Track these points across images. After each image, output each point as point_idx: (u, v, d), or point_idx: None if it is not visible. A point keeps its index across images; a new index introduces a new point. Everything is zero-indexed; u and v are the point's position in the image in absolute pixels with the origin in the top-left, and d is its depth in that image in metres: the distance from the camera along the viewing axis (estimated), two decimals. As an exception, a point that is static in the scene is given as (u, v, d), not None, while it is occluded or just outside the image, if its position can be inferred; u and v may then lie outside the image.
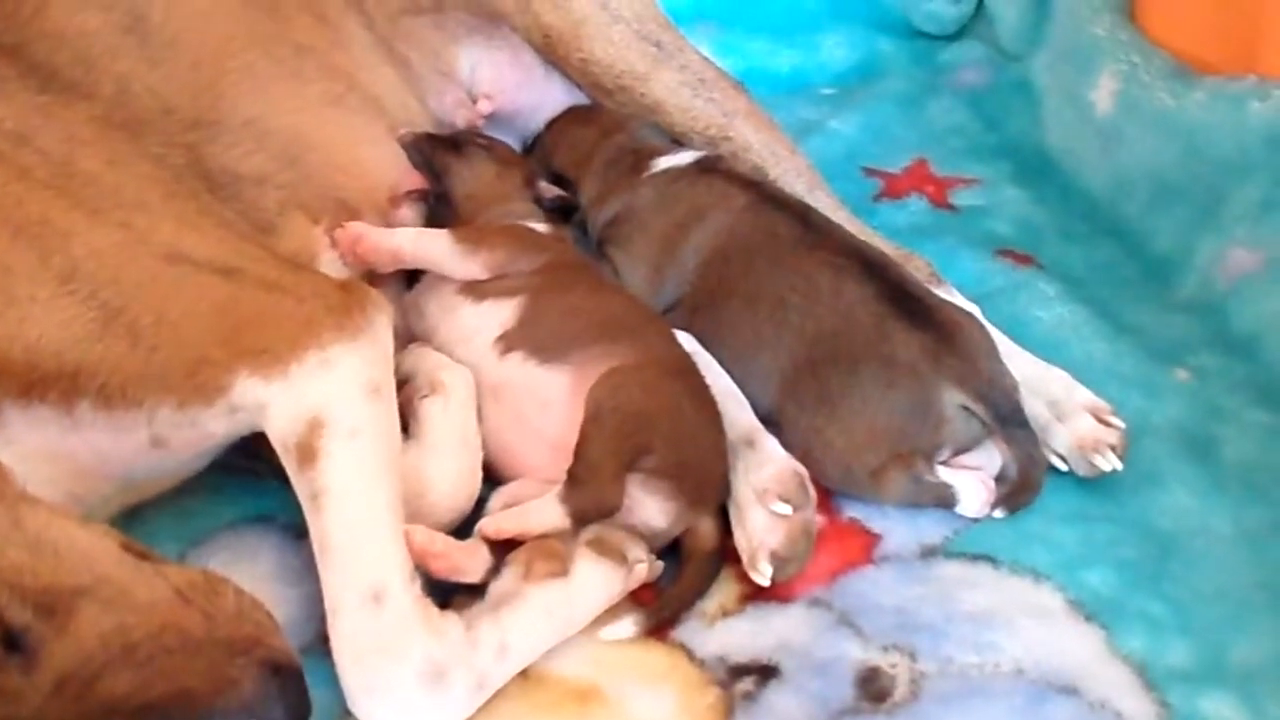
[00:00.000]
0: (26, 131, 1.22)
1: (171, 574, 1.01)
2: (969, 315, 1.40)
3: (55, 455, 1.13)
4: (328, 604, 1.11)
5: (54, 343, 1.10)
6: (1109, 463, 1.34)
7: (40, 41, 1.31)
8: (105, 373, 1.12)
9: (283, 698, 0.96)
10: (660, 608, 1.22)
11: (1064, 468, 1.37)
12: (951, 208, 1.94)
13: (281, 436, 1.16)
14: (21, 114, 1.23)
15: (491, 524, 1.21)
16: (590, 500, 1.19)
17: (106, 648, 0.92)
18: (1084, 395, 1.40)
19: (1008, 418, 1.31)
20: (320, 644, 1.14)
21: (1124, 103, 1.85)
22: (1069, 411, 1.38)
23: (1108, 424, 1.37)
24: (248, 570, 1.24)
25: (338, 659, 1.09)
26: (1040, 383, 1.41)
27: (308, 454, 1.14)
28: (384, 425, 1.18)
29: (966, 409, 1.30)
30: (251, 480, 1.33)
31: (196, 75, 1.40)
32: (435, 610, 1.12)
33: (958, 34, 2.42)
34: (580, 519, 1.20)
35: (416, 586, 1.12)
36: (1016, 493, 1.31)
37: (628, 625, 1.20)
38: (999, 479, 1.33)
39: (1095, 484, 1.35)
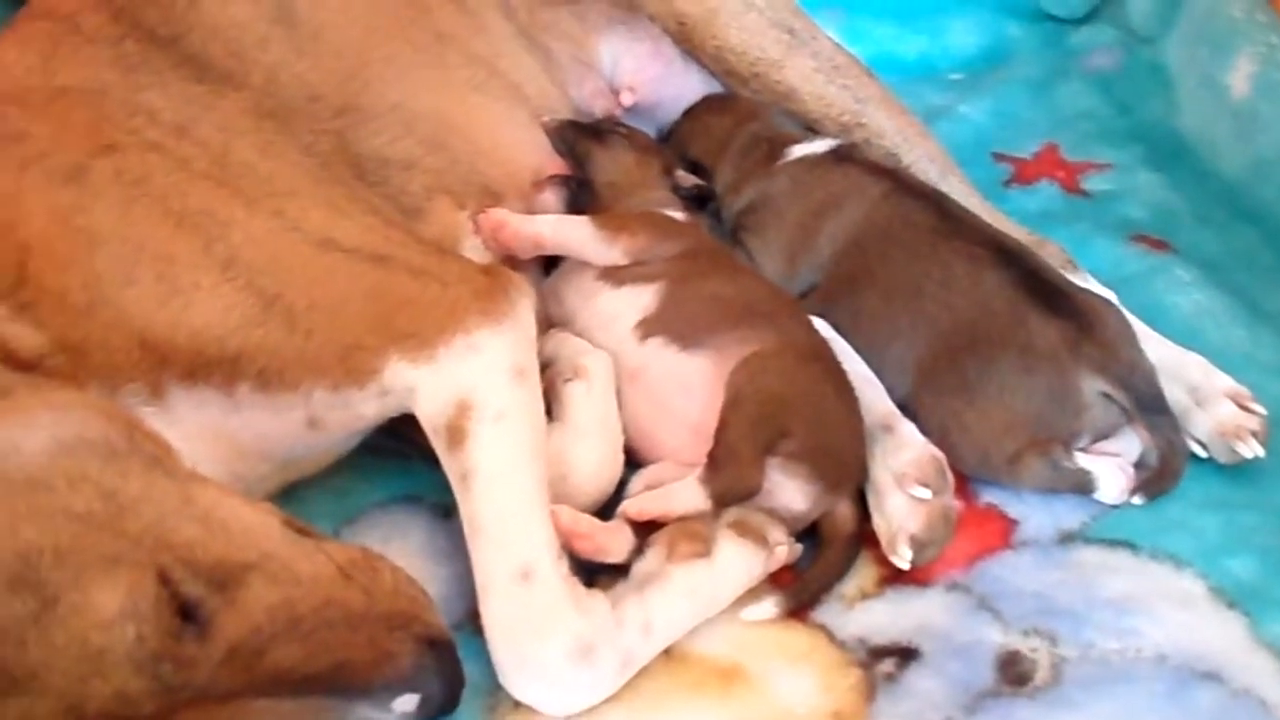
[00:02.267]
0: (184, 123, 1.26)
1: (332, 551, 1.04)
2: (1107, 302, 1.40)
3: (217, 435, 1.18)
4: (478, 582, 1.14)
5: (216, 328, 1.15)
6: (1250, 449, 1.33)
7: (194, 34, 1.36)
8: (264, 357, 1.16)
9: (439, 671, 1.00)
10: (800, 589, 1.24)
11: (1204, 454, 1.36)
12: (1083, 193, 1.92)
13: (431, 418, 1.19)
14: (179, 106, 1.28)
15: (634, 505, 1.23)
16: (731, 482, 1.21)
17: (273, 620, 0.96)
18: (1224, 381, 1.39)
19: (1148, 404, 1.30)
20: (470, 621, 1.18)
21: (1261, 85, 1.82)
22: (1209, 397, 1.37)
23: (1248, 410, 1.35)
24: (399, 548, 1.27)
25: (489, 636, 1.12)
26: (1179, 368, 1.40)
27: (457, 435, 1.17)
28: (530, 408, 1.21)
29: (1106, 395, 1.30)
30: (399, 461, 1.37)
31: (342, 63, 1.44)
32: (583, 589, 1.15)
33: (1087, 17, 2.37)
34: (721, 501, 1.21)
35: (564, 566, 1.15)
36: (1157, 479, 1.30)
37: (769, 606, 1.21)
38: (1138, 465, 1.32)
39: (1236, 470, 1.34)
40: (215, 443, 1.17)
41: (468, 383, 1.19)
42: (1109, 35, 2.30)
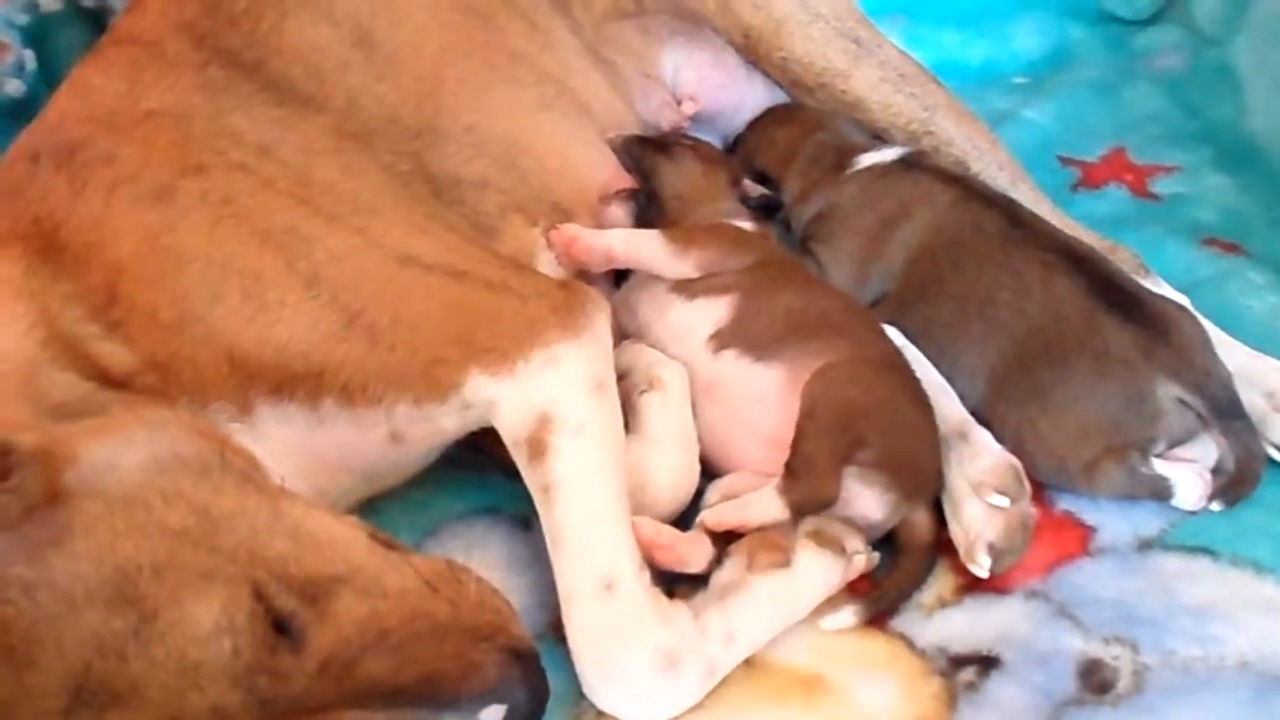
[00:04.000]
0: (268, 143, 1.29)
1: (418, 563, 1.06)
2: (1181, 307, 1.39)
3: (302, 450, 1.20)
4: (562, 593, 1.15)
5: (301, 344, 1.17)
6: (1330, 455, 1.32)
7: (276, 58, 1.39)
8: (348, 372, 1.18)
9: (524, 681, 1.01)
10: (879, 597, 1.24)
11: (1283, 460, 1.35)
12: (1153, 196, 1.91)
13: (512, 432, 1.21)
14: (262, 127, 1.31)
15: (713, 515, 1.25)
16: (808, 492, 1.22)
17: (363, 633, 0.97)
18: (1303, 386, 1.38)
19: (1224, 410, 1.30)
20: (552, 631, 1.19)
21: (1333, 86, 1.81)
22: (1287, 403, 1.37)
23: (1328, 415, 1.35)
24: (480, 560, 1.28)
25: (573, 646, 1.14)
26: (1255, 374, 1.39)
27: (538, 448, 1.19)
28: (609, 420, 1.22)
29: (1181, 401, 1.29)
30: (479, 474, 1.39)
31: (419, 85, 1.46)
32: (665, 599, 1.16)
33: (1152, 18, 2.35)
34: (798, 510, 1.22)
35: (646, 576, 1.16)
36: (1234, 485, 1.30)
37: (847, 615, 1.22)
38: (1215, 471, 1.31)
39: (1316, 476, 1.33)
40: (300, 457, 1.19)
41: (548, 396, 1.20)
42: (1175, 36, 2.29)
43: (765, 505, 1.22)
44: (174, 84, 1.31)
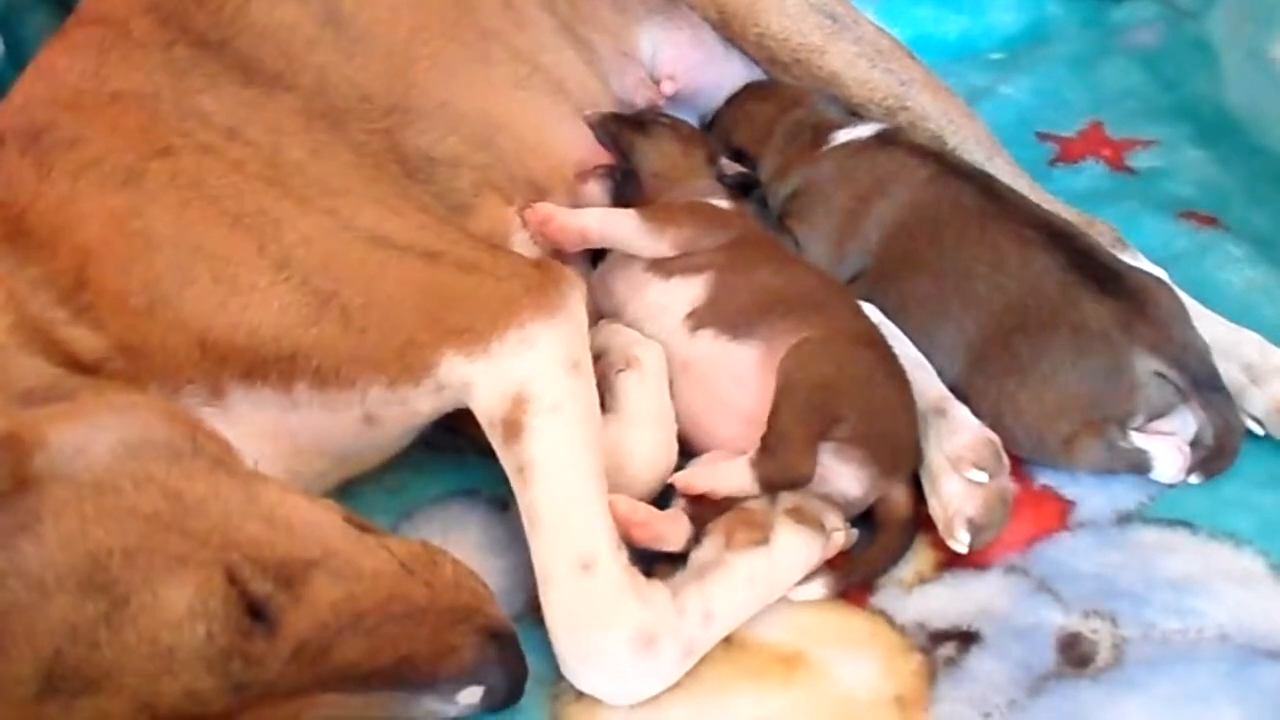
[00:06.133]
0: (236, 125, 1.28)
1: (394, 546, 1.06)
2: (1159, 280, 1.39)
3: (275, 434, 1.19)
4: (539, 574, 1.15)
5: (273, 328, 1.16)
6: (1308, 426, 1.32)
7: (243, 36, 1.37)
8: (320, 355, 1.17)
9: (501, 663, 1.01)
10: (850, 571, 1.24)
11: (1261, 432, 1.35)
12: (1130, 170, 1.91)
13: (487, 412, 1.20)
14: (230, 108, 1.30)
15: (683, 478, 1.25)
16: (781, 469, 1.21)
17: (339, 616, 0.97)
18: (1279, 357, 1.38)
19: (1203, 383, 1.29)
20: (530, 612, 1.18)
21: (1308, 58, 1.80)
22: (1264, 375, 1.36)
23: (1306, 385, 1.35)
24: (457, 542, 1.26)
25: (551, 627, 1.13)
26: (1233, 346, 1.39)
27: (513, 429, 1.18)
28: (585, 399, 1.22)
29: (1160, 375, 1.29)
30: (455, 456, 1.37)
31: (390, 63, 1.45)
32: (642, 579, 1.15)
33: (1129, -8, 2.36)
34: (768, 486, 1.21)
35: (624, 556, 1.15)
36: (1213, 458, 1.29)
37: (816, 587, 1.22)
38: (1194, 444, 1.31)
39: (1294, 448, 1.33)
40: (274, 441, 1.19)
41: (522, 376, 1.19)
42: (1151, 11, 2.28)
43: (735, 475, 1.22)
44: (140, 64, 1.29)
